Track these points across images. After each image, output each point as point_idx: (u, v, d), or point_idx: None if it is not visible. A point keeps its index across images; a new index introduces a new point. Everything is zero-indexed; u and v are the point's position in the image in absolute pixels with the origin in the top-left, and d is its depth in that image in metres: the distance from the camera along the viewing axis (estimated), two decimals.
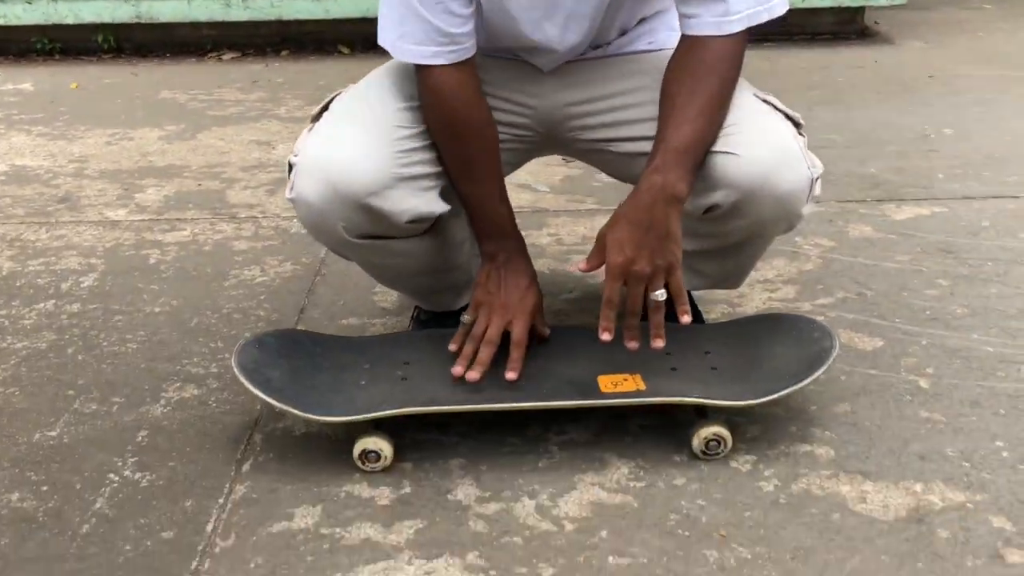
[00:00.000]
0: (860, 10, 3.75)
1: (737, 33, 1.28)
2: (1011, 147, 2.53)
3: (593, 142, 1.47)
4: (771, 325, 1.47)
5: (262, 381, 1.34)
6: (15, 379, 1.60)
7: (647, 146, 1.30)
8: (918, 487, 1.29)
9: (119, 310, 1.81)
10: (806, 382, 1.32)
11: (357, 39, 3.66)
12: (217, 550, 1.21)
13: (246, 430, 1.45)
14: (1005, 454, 1.35)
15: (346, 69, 3.50)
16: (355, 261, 1.49)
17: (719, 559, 1.17)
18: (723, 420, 1.35)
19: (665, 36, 1.46)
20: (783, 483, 1.30)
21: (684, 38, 1.31)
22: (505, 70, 1.43)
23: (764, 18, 1.28)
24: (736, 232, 1.39)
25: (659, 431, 1.41)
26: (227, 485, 1.33)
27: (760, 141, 1.30)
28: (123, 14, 3.61)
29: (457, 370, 1.37)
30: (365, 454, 1.33)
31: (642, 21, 1.47)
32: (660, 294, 1.27)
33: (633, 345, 1.31)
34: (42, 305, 1.83)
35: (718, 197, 1.32)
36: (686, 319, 1.28)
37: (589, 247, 1.32)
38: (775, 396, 1.32)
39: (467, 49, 1.32)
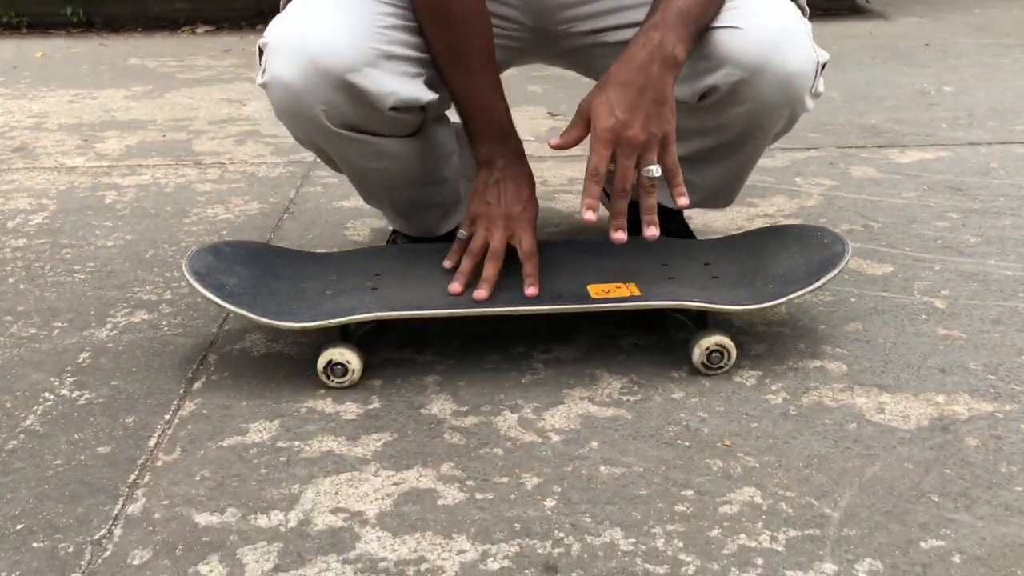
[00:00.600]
0: None
1: None
2: (1015, 101, 2.44)
3: (586, 34, 1.35)
4: (775, 235, 1.35)
5: (216, 286, 1.20)
6: None
7: None
8: (940, 398, 1.17)
9: (68, 244, 1.67)
10: (817, 285, 1.20)
11: None
12: (159, 463, 1.07)
13: (200, 351, 1.31)
14: None
15: None
16: (338, 162, 1.35)
17: (724, 468, 1.04)
18: (726, 330, 1.22)
19: None
20: (792, 396, 1.18)
21: None
22: None
23: None
24: (734, 123, 1.27)
25: (655, 349, 1.28)
26: (175, 402, 1.19)
27: (765, 17, 1.19)
28: None
29: (455, 287, 1.23)
30: (331, 367, 1.19)
31: None
32: (654, 169, 1.12)
33: (620, 236, 1.14)
34: None
35: (718, 77, 1.20)
36: (683, 200, 1.14)
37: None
38: (783, 300, 1.19)
39: None
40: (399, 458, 1.07)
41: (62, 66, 3.05)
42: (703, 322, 1.23)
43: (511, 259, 1.26)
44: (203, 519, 0.97)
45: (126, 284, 1.52)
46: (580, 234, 1.69)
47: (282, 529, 0.96)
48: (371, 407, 1.17)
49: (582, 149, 1.19)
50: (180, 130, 2.34)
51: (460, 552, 0.92)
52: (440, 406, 1.17)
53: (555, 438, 1.10)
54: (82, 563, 0.91)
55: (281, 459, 1.08)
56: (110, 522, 0.97)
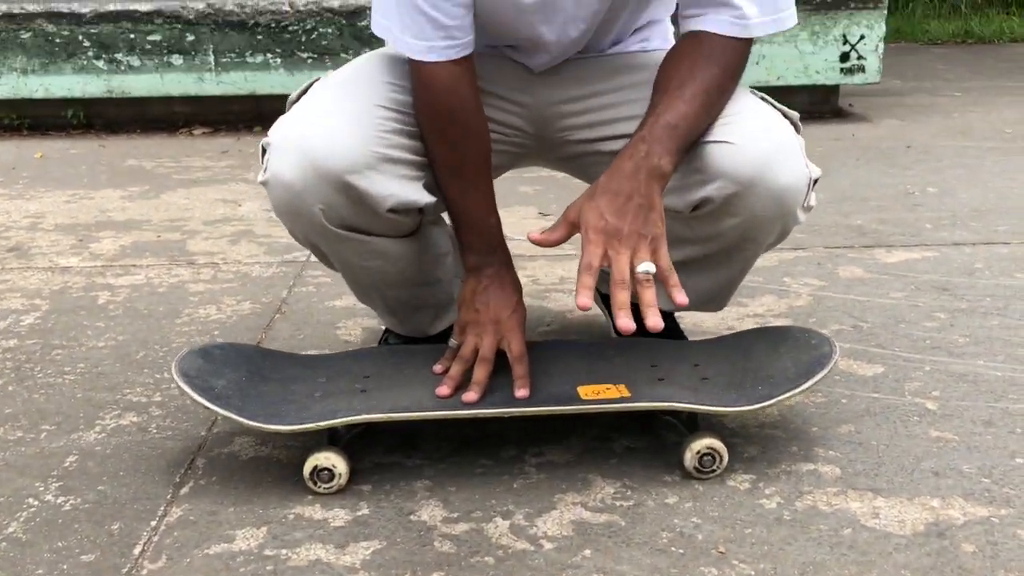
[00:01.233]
0: (835, 89, 3.77)
1: (741, 38, 1.21)
2: (996, 202, 2.48)
3: (583, 143, 1.38)
4: (765, 336, 1.36)
5: (205, 388, 1.20)
6: None
7: None
8: (935, 502, 1.16)
9: (59, 345, 1.67)
10: (806, 386, 1.20)
11: None
12: (144, 572, 1.05)
13: (188, 455, 1.30)
14: None
15: None
16: (333, 261, 1.36)
17: None
18: (717, 433, 1.22)
19: (658, 43, 1.41)
20: (786, 500, 1.17)
21: (687, 33, 1.24)
22: (498, 67, 1.35)
23: (770, 30, 1.22)
24: (727, 234, 1.29)
25: (647, 452, 1.28)
26: (162, 508, 1.17)
27: (758, 132, 1.22)
28: (94, 88, 3.57)
29: (443, 390, 1.23)
30: (317, 472, 1.18)
31: (635, 32, 1.41)
32: (648, 266, 1.12)
33: (627, 324, 1.06)
34: None
35: (711, 190, 1.22)
36: (680, 299, 1.12)
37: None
38: (773, 402, 1.19)
39: (465, 45, 1.23)
40: (388, 567, 1.05)
41: (61, 167, 3.09)
42: (694, 424, 1.23)
43: (501, 362, 1.26)
44: None
45: (116, 386, 1.51)
46: (572, 334, 1.69)
47: None
48: (360, 513, 1.16)
49: (573, 247, 1.20)
50: (175, 230, 2.36)
51: None
52: (430, 512, 1.15)
53: (547, 546, 1.09)
54: None
55: (268, 568, 1.05)
56: None
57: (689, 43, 1.24)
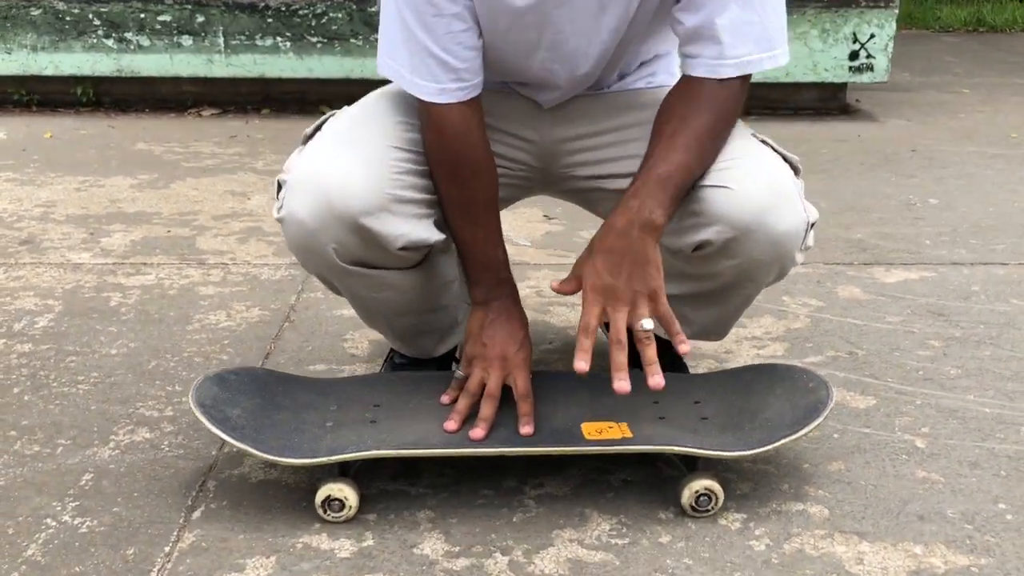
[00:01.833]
0: (843, 87, 3.78)
1: (734, 78, 1.24)
2: (996, 217, 2.51)
3: (588, 179, 1.41)
4: (764, 375, 1.39)
5: (220, 419, 1.24)
6: None
7: None
8: (918, 549, 1.20)
9: (73, 351, 1.71)
10: (801, 433, 1.24)
11: (339, 99, 3.62)
12: None
13: (200, 476, 1.34)
14: (1009, 517, 1.27)
15: None
16: (342, 291, 1.40)
17: None
18: (714, 474, 1.26)
19: (663, 78, 1.44)
20: (775, 542, 1.21)
21: (682, 77, 1.27)
22: (506, 103, 1.38)
23: (765, 66, 1.24)
24: (725, 274, 1.33)
25: (644, 486, 1.32)
26: (175, 533, 1.22)
27: (756, 177, 1.25)
28: (104, 67, 3.57)
29: (450, 425, 1.28)
30: (328, 502, 1.23)
31: (641, 65, 1.43)
32: (647, 323, 1.16)
33: (623, 386, 1.15)
34: None
35: (710, 234, 1.26)
36: (684, 348, 1.17)
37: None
38: (769, 448, 1.23)
39: (475, 87, 1.26)
40: None
41: (70, 149, 3.11)
42: (692, 464, 1.27)
43: (506, 395, 1.30)
44: None
45: (129, 398, 1.55)
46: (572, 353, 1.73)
47: None
48: (365, 544, 1.20)
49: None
50: (184, 225, 2.39)
51: None
52: (432, 546, 1.20)
53: None
54: None
55: None
56: None
57: (683, 89, 1.26)
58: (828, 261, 2.19)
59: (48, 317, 1.85)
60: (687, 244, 1.29)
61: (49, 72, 3.58)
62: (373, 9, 3.53)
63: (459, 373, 1.33)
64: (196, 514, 1.26)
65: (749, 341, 1.78)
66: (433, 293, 1.43)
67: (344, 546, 1.20)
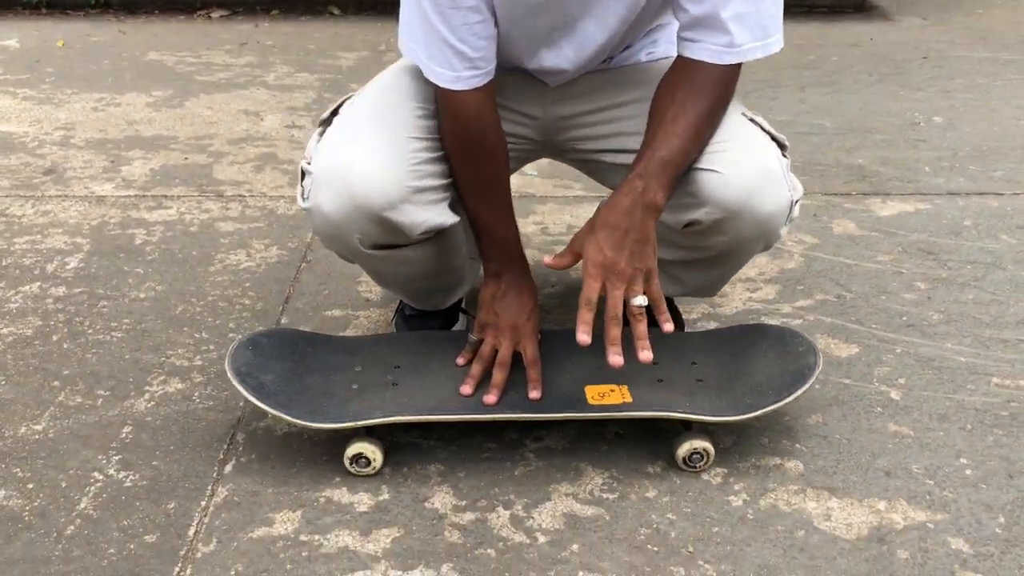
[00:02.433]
0: None
1: (733, 64, 1.29)
2: (999, 139, 2.54)
3: (589, 152, 1.47)
4: (757, 336, 1.50)
5: (255, 386, 1.36)
6: (1, 367, 1.61)
7: None
8: (881, 505, 1.33)
9: (104, 295, 1.82)
10: (787, 400, 1.36)
11: (349, 1, 3.61)
12: (199, 555, 1.24)
13: (229, 428, 1.47)
14: (968, 472, 1.38)
15: (336, 33, 3.47)
16: (362, 267, 1.50)
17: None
18: (707, 434, 1.38)
19: (664, 48, 1.48)
20: (752, 498, 1.34)
21: (681, 58, 1.32)
22: (511, 81, 1.43)
23: (758, 55, 1.29)
24: (714, 247, 1.41)
25: (635, 440, 1.44)
26: (209, 487, 1.36)
27: (744, 161, 1.31)
28: None
29: (466, 389, 1.39)
30: (356, 458, 1.36)
31: (645, 34, 1.47)
32: (641, 299, 1.26)
33: (617, 360, 1.26)
34: (27, 288, 1.84)
35: (700, 214, 1.33)
36: (668, 327, 1.28)
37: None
38: (757, 414, 1.35)
39: (488, 72, 1.32)
40: (405, 557, 1.24)
41: (83, 60, 3.14)
42: (688, 424, 1.39)
43: (516, 362, 1.41)
44: None
45: (160, 346, 1.67)
46: (574, 296, 1.82)
47: None
48: (381, 499, 1.34)
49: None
50: (201, 151, 2.46)
51: None
52: (441, 499, 1.33)
53: (541, 539, 1.27)
54: None
55: (303, 554, 1.24)
56: None
57: (682, 72, 1.31)
58: (827, 191, 2.25)
59: (78, 257, 1.95)
60: (678, 221, 1.36)
61: None
62: None
63: (473, 337, 1.44)
64: (228, 468, 1.39)
65: (743, 283, 1.87)
66: (446, 260, 1.52)
67: (363, 500, 1.33)
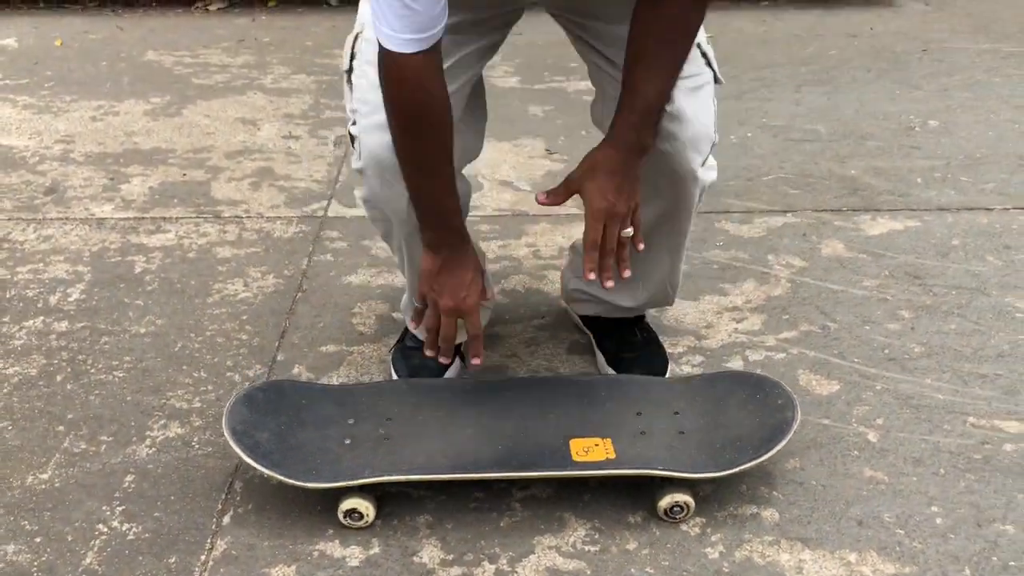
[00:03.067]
0: None
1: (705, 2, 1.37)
2: (993, 145, 2.55)
3: (568, 21, 1.53)
4: (737, 385, 1.55)
5: (251, 445, 1.42)
6: (7, 411, 1.67)
7: None
8: (852, 557, 1.38)
9: (105, 330, 1.87)
10: (765, 457, 1.42)
11: None
12: None
13: (227, 476, 1.53)
14: (938, 520, 1.43)
15: (334, 26, 3.46)
16: (395, 237, 1.58)
17: None
18: (688, 487, 1.43)
19: None
20: (727, 550, 1.39)
21: None
22: None
23: None
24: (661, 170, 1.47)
25: (617, 489, 1.49)
26: (208, 540, 1.42)
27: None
28: None
29: (428, 353, 1.53)
30: (350, 513, 1.41)
31: None
32: (629, 231, 1.42)
33: (611, 285, 1.44)
34: (31, 323, 1.89)
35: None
36: (642, 247, 1.45)
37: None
38: (735, 470, 1.41)
39: (438, 33, 1.28)
40: None
41: (82, 63, 3.15)
42: (669, 478, 1.43)
43: (494, 418, 1.47)
44: None
45: (160, 386, 1.72)
46: (563, 330, 1.86)
47: None
48: (371, 552, 1.39)
49: (575, 210, 1.36)
50: (198, 166, 2.49)
51: None
52: (430, 553, 1.39)
53: None
54: None
55: None
56: None
57: (658, 10, 1.35)
58: (818, 207, 2.27)
59: (79, 288, 2.00)
60: None
61: None
62: None
63: (417, 303, 1.53)
64: (226, 519, 1.45)
65: (729, 312, 1.91)
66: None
67: (354, 554, 1.39)
